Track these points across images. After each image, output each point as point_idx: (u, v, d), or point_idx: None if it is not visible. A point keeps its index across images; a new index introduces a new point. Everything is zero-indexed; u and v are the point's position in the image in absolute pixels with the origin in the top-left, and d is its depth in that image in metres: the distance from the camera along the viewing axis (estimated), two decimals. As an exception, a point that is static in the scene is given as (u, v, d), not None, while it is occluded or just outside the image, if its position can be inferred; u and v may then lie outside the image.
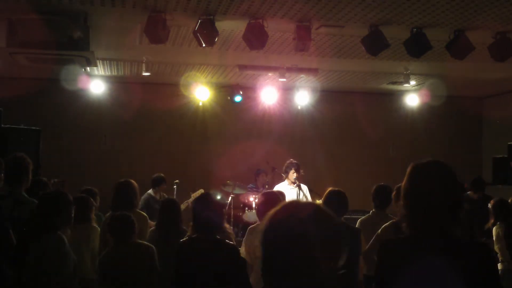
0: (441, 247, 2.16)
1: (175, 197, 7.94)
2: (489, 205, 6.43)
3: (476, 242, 2.56)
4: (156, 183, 8.53)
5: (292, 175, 7.64)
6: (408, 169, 2.32)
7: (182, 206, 7.45)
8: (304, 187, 7.62)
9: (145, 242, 4.57)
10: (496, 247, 6.06)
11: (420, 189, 2.24)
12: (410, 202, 2.26)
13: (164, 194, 8.31)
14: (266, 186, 8.96)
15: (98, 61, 7.96)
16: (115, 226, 4.46)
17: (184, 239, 4.02)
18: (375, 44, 6.27)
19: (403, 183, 2.31)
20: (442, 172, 2.25)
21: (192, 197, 8.26)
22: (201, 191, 8.11)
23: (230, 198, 8.75)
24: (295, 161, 7.81)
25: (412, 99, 10.75)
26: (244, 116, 10.49)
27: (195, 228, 3.96)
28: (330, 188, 5.06)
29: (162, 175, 8.63)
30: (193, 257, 3.82)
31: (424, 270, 2.11)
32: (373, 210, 5.62)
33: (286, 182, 7.77)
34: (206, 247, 3.79)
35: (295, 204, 1.83)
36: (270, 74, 9.05)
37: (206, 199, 4.16)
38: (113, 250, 4.44)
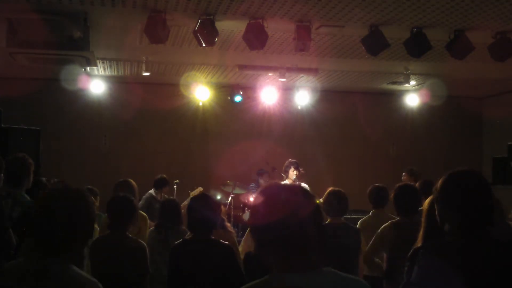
0: (485, 249, 2.23)
1: (175, 197, 7.93)
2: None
3: None
4: (159, 185, 8.37)
5: (292, 173, 7.67)
6: (444, 179, 2.36)
7: (182, 206, 7.43)
8: (305, 186, 7.61)
9: (141, 241, 4.34)
10: None
11: (461, 198, 2.30)
12: (451, 210, 2.31)
13: (165, 195, 8.28)
14: (267, 186, 8.95)
15: (98, 61, 7.95)
16: (114, 207, 4.22)
17: (179, 241, 3.94)
18: (375, 44, 6.26)
19: (437, 193, 2.35)
20: (480, 181, 2.34)
21: (190, 196, 8.24)
22: (200, 189, 8.09)
23: (230, 198, 8.75)
24: (294, 160, 7.84)
25: (412, 99, 10.75)
26: (244, 116, 10.48)
27: (189, 229, 3.93)
28: (330, 188, 5.05)
29: (165, 176, 8.50)
30: (186, 259, 3.76)
31: (471, 272, 2.15)
32: (373, 210, 5.62)
33: (286, 181, 7.77)
34: (200, 248, 3.73)
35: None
36: (270, 74, 9.05)
37: (199, 199, 4.08)
38: (108, 237, 4.21)
